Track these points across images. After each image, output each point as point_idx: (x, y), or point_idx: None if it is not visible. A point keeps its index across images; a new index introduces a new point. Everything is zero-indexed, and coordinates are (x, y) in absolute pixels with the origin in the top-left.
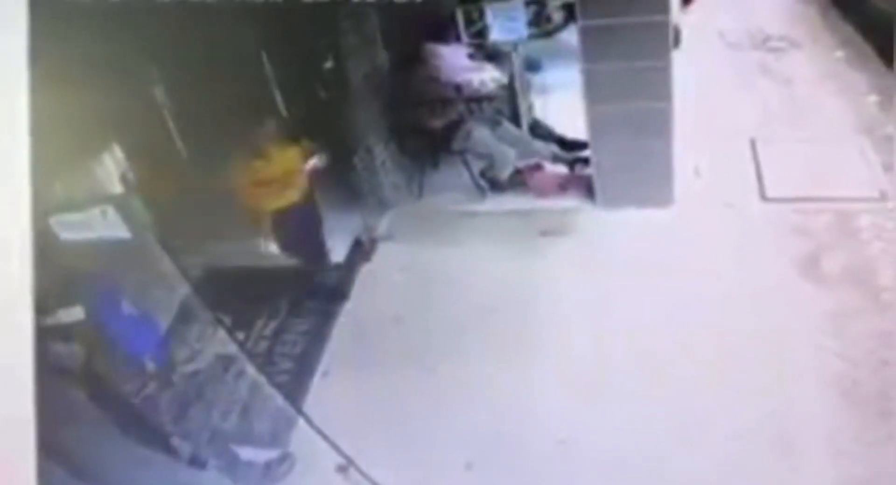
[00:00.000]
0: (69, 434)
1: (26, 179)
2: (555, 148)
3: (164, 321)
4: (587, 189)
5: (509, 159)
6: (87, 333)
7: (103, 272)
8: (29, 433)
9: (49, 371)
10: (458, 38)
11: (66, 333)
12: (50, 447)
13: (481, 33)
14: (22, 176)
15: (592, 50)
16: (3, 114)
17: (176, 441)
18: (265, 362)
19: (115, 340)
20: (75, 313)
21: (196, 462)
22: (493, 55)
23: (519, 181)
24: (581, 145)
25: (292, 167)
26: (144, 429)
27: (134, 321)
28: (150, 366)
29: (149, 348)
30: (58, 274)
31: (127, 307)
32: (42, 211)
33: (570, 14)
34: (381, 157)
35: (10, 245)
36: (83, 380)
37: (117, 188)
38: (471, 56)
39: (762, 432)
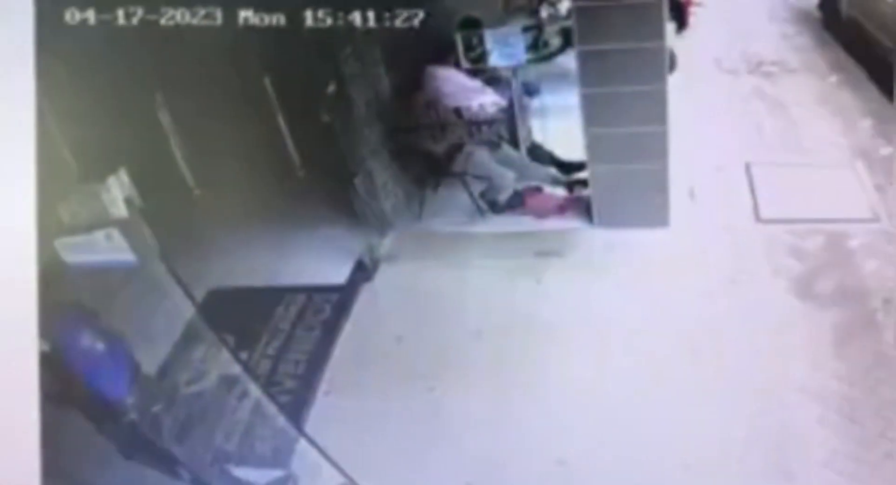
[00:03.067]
0: (71, 456)
1: (32, 201)
2: (553, 170)
3: (167, 343)
4: (585, 211)
5: (508, 182)
6: (54, 364)
7: (69, 302)
8: (34, 452)
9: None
10: (457, 64)
11: (41, 361)
12: (52, 469)
13: (480, 58)
14: (28, 199)
15: (590, 74)
16: (10, 137)
17: (176, 463)
18: (268, 382)
19: (78, 374)
20: (42, 345)
21: (198, 484)
22: (492, 80)
23: (518, 203)
24: (578, 166)
25: None
26: (146, 451)
27: (97, 355)
28: (128, 399)
29: (116, 382)
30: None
31: (87, 342)
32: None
33: (567, 39)
34: (382, 179)
35: (15, 266)
36: (73, 405)
37: (122, 212)
38: (470, 80)
39: (760, 452)
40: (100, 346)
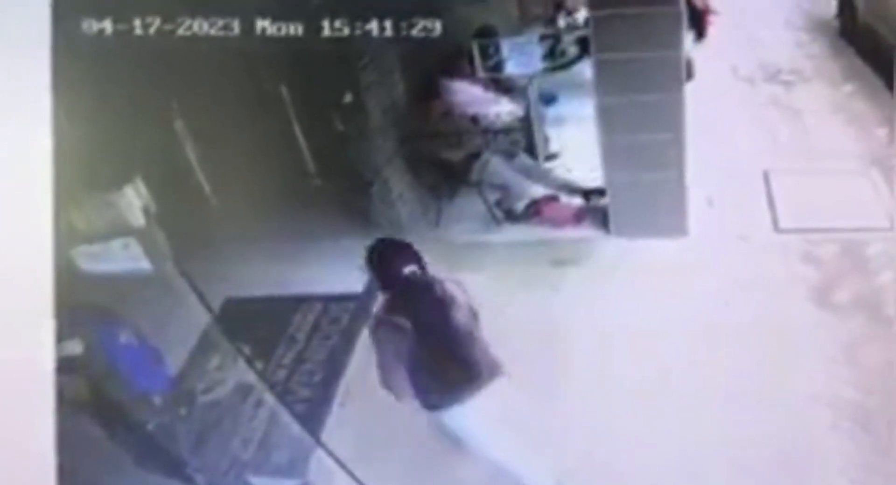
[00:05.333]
0: (86, 464)
1: (48, 210)
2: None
3: (183, 352)
4: (602, 220)
5: (525, 190)
6: (88, 365)
7: (100, 304)
8: (49, 463)
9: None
10: (473, 72)
11: (66, 365)
12: (67, 477)
13: (497, 67)
14: (44, 207)
15: (606, 83)
16: (26, 145)
17: (192, 471)
18: (284, 391)
19: (116, 372)
20: (73, 346)
21: None
22: (508, 88)
23: (534, 212)
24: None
25: None
26: (161, 459)
27: (134, 352)
28: (157, 399)
29: (152, 379)
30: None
31: (125, 338)
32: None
33: (584, 48)
34: (398, 188)
35: (31, 273)
36: (96, 411)
37: (139, 220)
38: (486, 89)
39: (775, 463)
40: (135, 342)
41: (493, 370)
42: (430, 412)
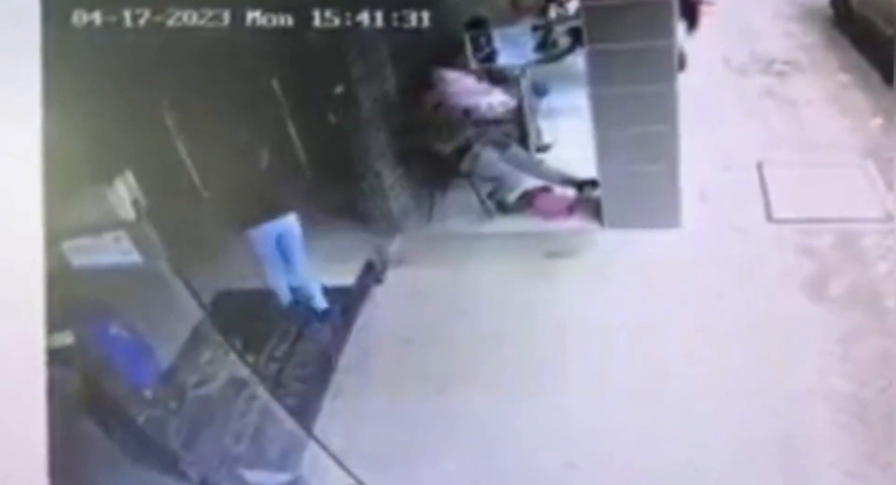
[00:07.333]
0: (79, 460)
1: (38, 204)
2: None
3: (174, 346)
4: (595, 212)
5: (517, 182)
6: (79, 357)
7: (91, 297)
8: (41, 459)
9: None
10: (465, 64)
11: (58, 358)
12: (59, 473)
13: (489, 58)
14: (34, 201)
15: (599, 74)
16: (15, 138)
17: (185, 466)
18: (276, 385)
19: (107, 365)
20: (64, 338)
21: None
22: (500, 79)
23: (527, 204)
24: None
25: None
26: (153, 454)
27: (124, 345)
28: (148, 393)
29: (143, 373)
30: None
31: (115, 330)
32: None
33: (576, 39)
34: (390, 181)
35: (22, 268)
36: (87, 405)
37: (130, 214)
38: (479, 80)
39: (771, 455)
40: (125, 334)
41: (285, 207)
42: (242, 230)
